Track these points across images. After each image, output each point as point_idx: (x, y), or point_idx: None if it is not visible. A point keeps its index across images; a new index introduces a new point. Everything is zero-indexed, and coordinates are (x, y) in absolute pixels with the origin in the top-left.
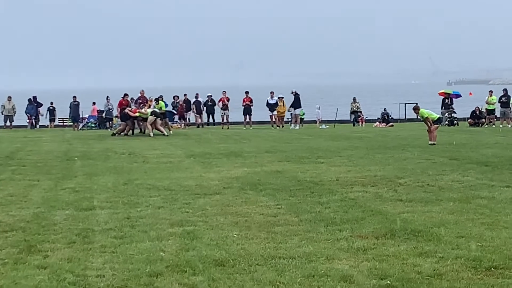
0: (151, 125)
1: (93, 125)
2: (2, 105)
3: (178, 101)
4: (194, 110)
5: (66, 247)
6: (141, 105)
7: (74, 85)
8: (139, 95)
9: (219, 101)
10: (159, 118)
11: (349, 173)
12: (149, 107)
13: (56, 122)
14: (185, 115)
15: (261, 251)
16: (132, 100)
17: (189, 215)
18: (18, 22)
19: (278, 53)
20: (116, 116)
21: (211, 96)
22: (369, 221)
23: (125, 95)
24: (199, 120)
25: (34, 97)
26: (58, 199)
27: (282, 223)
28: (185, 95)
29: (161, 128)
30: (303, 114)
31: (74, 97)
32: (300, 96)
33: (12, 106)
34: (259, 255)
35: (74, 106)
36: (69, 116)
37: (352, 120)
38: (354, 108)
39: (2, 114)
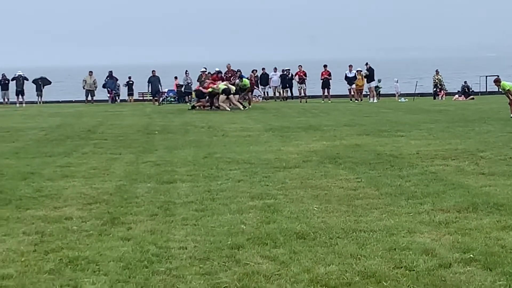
0: (224, 102)
1: (172, 99)
2: (83, 80)
3: (256, 74)
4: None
5: (149, 220)
6: (231, 78)
7: (150, 59)
8: (226, 69)
9: (295, 75)
10: (232, 95)
11: (429, 146)
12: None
13: (136, 97)
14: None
15: (342, 224)
16: (209, 73)
17: (269, 188)
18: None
19: (346, 28)
20: (194, 91)
21: (289, 69)
22: (451, 194)
23: (219, 72)
24: (277, 94)
25: (111, 72)
26: (139, 172)
27: (362, 197)
28: (263, 69)
29: (238, 104)
30: (379, 86)
31: (153, 71)
32: (374, 69)
33: (93, 81)
34: (340, 228)
35: (154, 80)
36: (149, 90)
37: (433, 93)
38: (436, 81)
39: (84, 88)
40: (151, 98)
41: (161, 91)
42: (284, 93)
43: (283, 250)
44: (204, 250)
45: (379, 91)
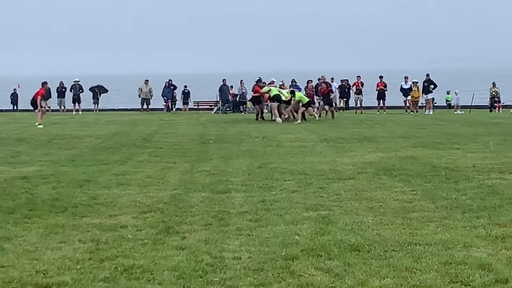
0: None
1: (228, 109)
2: (139, 88)
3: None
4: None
5: (203, 229)
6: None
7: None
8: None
9: (353, 85)
10: (280, 103)
11: (486, 159)
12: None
13: (191, 105)
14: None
15: (397, 237)
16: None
17: (324, 200)
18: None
19: (408, 38)
20: (249, 100)
21: (346, 80)
22: (508, 208)
23: (258, 81)
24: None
25: (170, 81)
26: (194, 182)
27: (417, 209)
28: (318, 79)
29: (283, 112)
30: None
31: (224, 80)
32: (432, 81)
33: (149, 89)
34: (395, 241)
35: (226, 89)
36: (219, 99)
37: (489, 105)
38: (493, 93)
39: (140, 97)
40: (219, 107)
41: (230, 100)
42: (342, 104)
43: (337, 262)
44: (258, 260)
45: (450, 104)
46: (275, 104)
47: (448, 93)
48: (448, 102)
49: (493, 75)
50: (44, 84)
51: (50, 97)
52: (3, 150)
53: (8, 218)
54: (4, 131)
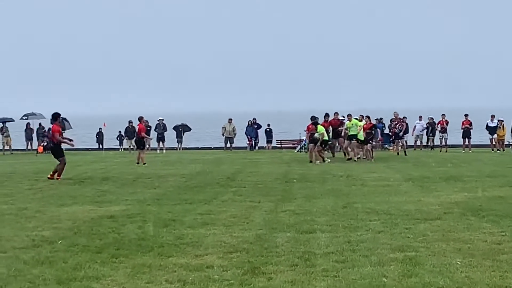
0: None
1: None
2: (223, 127)
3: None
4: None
5: (289, 270)
6: (398, 125)
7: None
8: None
9: (438, 124)
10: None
11: None
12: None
13: (274, 144)
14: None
15: (487, 279)
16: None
17: (410, 240)
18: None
19: (498, 72)
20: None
21: (432, 118)
22: None
23: (367, 116)
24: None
25: (254, 119)
26: (279, 221)
27: (507, 251)
28: (404, 117)
29: (317, 154)
30: None
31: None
32: None
33: (233, 128)
34: (485, 284)
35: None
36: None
37: None
38: None
39: (223, 135)
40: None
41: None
42: (430, 142)
43: None
44: None
45: None
46: (311, 146)
47: None
48: None
49: None
50: (140, 119)
51: (135, 136)
52: (90, 189)
53: (96, 258)
54: (90, 170)
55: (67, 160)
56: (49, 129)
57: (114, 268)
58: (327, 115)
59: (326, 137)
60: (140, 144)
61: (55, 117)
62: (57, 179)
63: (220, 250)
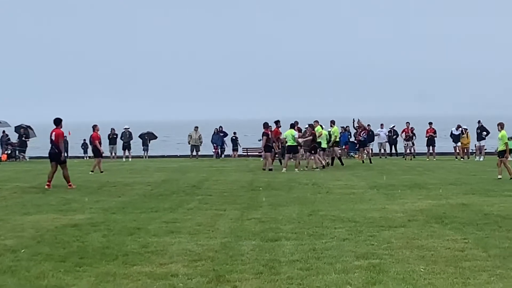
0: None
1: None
2: (189, 135)
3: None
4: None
5: (254, 278)
6: (362, 133)
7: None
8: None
9: (402, 132)
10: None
11: None
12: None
13: (240, 152)
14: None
15: (449, 286)
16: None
17: (374, 248)
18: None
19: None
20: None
21: (393, 126)
22: None
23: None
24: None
25: (220, 127)
26: (244, 229)
27: (469, 258)
28: (368, 125)
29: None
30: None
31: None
32: (485, 127)
33: (199, 136)
34: None
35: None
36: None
37: None
38: None
39: (189, 143)
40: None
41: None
42: (393, 150)
43: None
44: None
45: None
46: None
47: (510, 138)
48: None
49: None
50: (94, 127)
51: (101, 144)
52: (54, 197)
53: (59, 266)
54: (54, 179)
55: (32, 168)
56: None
57: (78, 277)
58: (278, 122)
59: (291, 142)
60: (97, 153)
61: (59, 122)
62: (70, 186)
63: (185, 258)
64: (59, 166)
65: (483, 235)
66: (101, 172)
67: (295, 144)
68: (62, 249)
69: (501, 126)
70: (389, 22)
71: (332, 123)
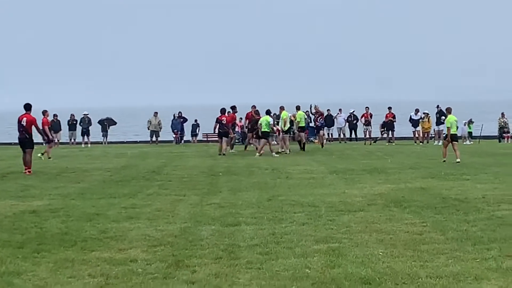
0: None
1: (236, 141)
2: (148, 121)
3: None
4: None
5: (213, 263)
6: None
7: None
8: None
9: (361, 117)
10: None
11: (496, 190)
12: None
13: (200, 137)
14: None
15: (407, 269)
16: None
17: (334, 232)
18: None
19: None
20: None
21: (353, 111)
22: None
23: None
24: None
25: (179, 113)
26: (204, 214)
27: (428, 241)
28: (328, 110)
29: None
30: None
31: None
32: (444, 112)
33: (158, 122)
34: (406, 273)
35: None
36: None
37: (498, 136)
38: (502, 124)
39: (149, 129)
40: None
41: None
42: (353, 135)
43: None
44: None
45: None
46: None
47: (471, 122)
48: (469, 131)
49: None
50: (44, 112)
51: (61, 129)
52: (12, 184)
53: (17, 253)
54: (13, 165)
55: None
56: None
57: (36, 263)
58: (234, 107)
59: (265, 128)
60: (46, 138)
61: (30, 107)
62: (28, 172)
63: (144, 244)
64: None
65: (441, 218)
66: (49, 158)
67: (269, 130)
68: (20, 235)
69: (448, 110)
70: (352, 6)
71: (297, 108)
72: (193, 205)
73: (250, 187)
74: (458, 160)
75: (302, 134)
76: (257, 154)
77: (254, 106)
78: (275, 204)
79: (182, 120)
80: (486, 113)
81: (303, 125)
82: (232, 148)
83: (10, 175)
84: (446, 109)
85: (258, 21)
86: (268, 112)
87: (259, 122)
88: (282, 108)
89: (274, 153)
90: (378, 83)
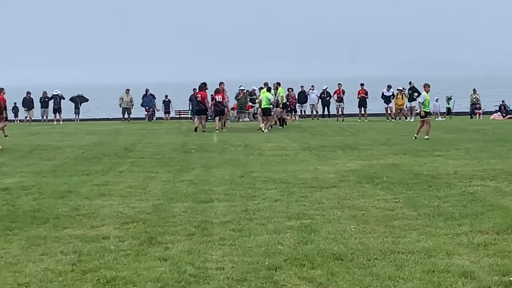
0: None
1: (209, 118)
2: (120, 98)
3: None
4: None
5: (186, 239)
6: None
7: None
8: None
9: (334, 93)
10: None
11: (467, 166)
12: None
13: (172, 114)
14: (296, 108)
15: (380, 245)
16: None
17: (306, 208)
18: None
19: (388, 44)
20: (232, 108)
21: (326, 88)
22: (489, 216)
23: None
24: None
25: (147, 90)
26: (176, 191)
27: (400, 217)
28: (301, 87)
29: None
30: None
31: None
32: (416, 88)
33: (130, 99)
34: (378, 249)
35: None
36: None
37: (470, 112)
38: (474, 100)
39: (120, 106)
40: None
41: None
42: (326, 111)
43: (320, 271)
44: (242, 271)
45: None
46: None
47: (449, 99)
48: (448, 107)
49: (473, 82)
50: (1, 90)
51: (33, 107)
52: None
53: None
54: None
55: None
56: None
57: (8, 240)
58: (205, 84)
59: (265, 105)
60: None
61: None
62: None
63: (117, 221)
64: None
65: (413, 194)
66: (5, 136)
67: (270, 107)
68: None
69: (423, 87)
70: None
71: (278, 84)
72: (165, 182)
73: (223, 164)
74: (427, 137)
75: (279, 109)
76: (265, 130)
77: (222, 83)
78: (247, 180)
79: (151, 96)
80: (458, 89)
81: (285, 101)
82: (224, 125)
83: None
84: (424, 85)
85: None
86: (269, 89)
87: (259, 99)
88: (278, 84)
89: (265, 129)
90: (350, 58)
